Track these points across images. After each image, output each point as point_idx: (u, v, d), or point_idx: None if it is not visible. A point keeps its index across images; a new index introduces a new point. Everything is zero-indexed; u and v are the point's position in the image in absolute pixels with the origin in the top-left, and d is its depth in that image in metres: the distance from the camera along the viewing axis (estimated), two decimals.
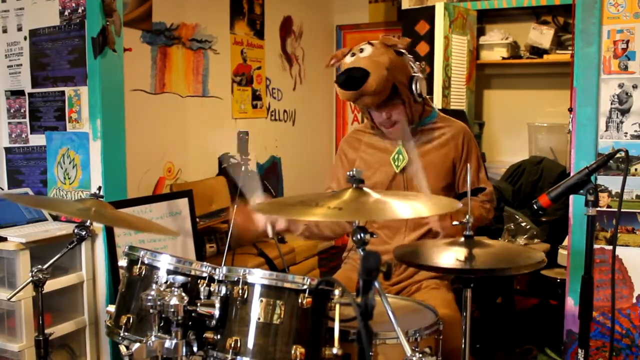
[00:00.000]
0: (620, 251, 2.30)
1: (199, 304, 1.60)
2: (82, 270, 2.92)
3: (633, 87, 2.27)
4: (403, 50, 2.16)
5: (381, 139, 2.27)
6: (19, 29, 3.09)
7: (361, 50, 2.12)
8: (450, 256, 1.66)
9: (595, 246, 2.31)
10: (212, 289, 1.63)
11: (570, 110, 2.92)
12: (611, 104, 2.30)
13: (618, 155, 2.09)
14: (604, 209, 2.32)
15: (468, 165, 1.92)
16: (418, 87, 2.15)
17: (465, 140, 2.25)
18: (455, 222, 1.76)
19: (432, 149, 2.23)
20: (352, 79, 2.05)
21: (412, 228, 2.21)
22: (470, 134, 2.29)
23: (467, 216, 1.72)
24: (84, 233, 2.21)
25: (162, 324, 1.60)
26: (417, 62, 2.21)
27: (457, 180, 2.26)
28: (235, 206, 2.24)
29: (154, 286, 1.62)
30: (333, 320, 1.40)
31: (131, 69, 3.50)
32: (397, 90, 2.11)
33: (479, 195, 2.27)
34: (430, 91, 4.49)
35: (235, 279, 1.60)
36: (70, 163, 2.97)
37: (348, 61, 2.13)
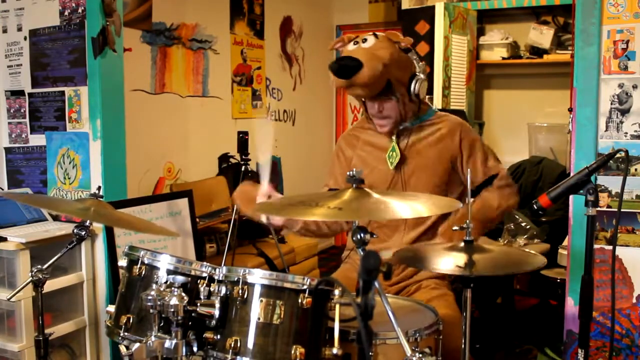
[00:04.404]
0: (620, 251, 2.30)
1: (199, 304, 1.60)
2: (82, 270, 2.92)
3: (633, 87, 2.27)
4: (410, 48, 2.16)
5: (378, 135, 2.27)
6: (19, 29, 3.09)
7: (364, 40, 2.12)
8: (449, 261, 1.66)
9: (595, 246, 2.31)
10: (212, 289, 1.63)
11: (570, 110, 2.93)
12: (611, 104, 2.30)
13: (618, 155, 2.09)
14: (604, 209, 2.32)
15: (468, 170, 1.91)
16: (417, 87, 2.14)
17: (463, 134, 2.21)
18: (455, 228, 1.76)
19: (427, 145, 2.21)
20: (345, 68, 2.04)
21: (411, 226, 2.21)
22: (467, 127, 2.25)
23: (467, 221, 1.71)
24: (83, 233, 2.21)
25: (162, 324, 1.60)
26: (422, 62, 2.21)
27: (464, 176, 2.21)
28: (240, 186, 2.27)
29: (154, 286, 1.62)
30: (333, 320, 1.40)
31: (131, 69, 3.50)
32: (392, 86, 2.11)
33: (494, 182, 2.22)
34: (430, 91, 4.49)
35: (235, 279, 1.60)
36: (70, 163, 2.97)
37: (350, 49, 2.14)
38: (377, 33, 2.15)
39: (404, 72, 2.14)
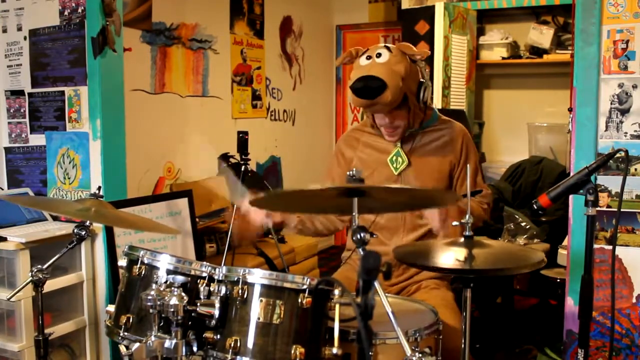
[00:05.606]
0: (620, 251, 2.30)
1: (198, 304, 1.60)
2: (82, 270, 2.92)
3: (633, 87, 2.27)
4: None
5: (379, 138, 2.27)
6: (19, 29, 3.09)
7: (378, 55, 2.08)
8: (449, 256, 1.66)
9: (595, 246, 2.31)
10: (211, 289, 1.63)
11: (570, 110, 2.93)
12: (611, 103, 2.30)
13: (618, 155, 2.09)
14: (604, 208, 2.32)
15: (467, 166, 1.92)
16: (425, 94, 2.14)
17: (464, 143, 2.25)
18: (455, 223, 1.76)
19: (431, 151, 2.22)
20: (369, 89, 2.02)
21: (410, 229, 2.21)
22: (468, 136, 2.29)
23: (467, 216, 1.72)
24: (83, 233, 2.21)
25: (162, 324, 1.60)
26: (427, 69, 2.21)
27: (455, 183, 2.25)
28: (234, 208, 2.25)
29: (153, 286, 1.62)
30: (333, 320, 1.40)
31: (131, 69, 3.50)
32: (407, 98, 2.10)
33: (476, 196, 2.26)
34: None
35: (235, 278, 1.60)
36: (70, 163, 2.97)
37: (363, 63, 2.10)
38: (389, 46, 2.12)
39: (415, 81, 2.14)
